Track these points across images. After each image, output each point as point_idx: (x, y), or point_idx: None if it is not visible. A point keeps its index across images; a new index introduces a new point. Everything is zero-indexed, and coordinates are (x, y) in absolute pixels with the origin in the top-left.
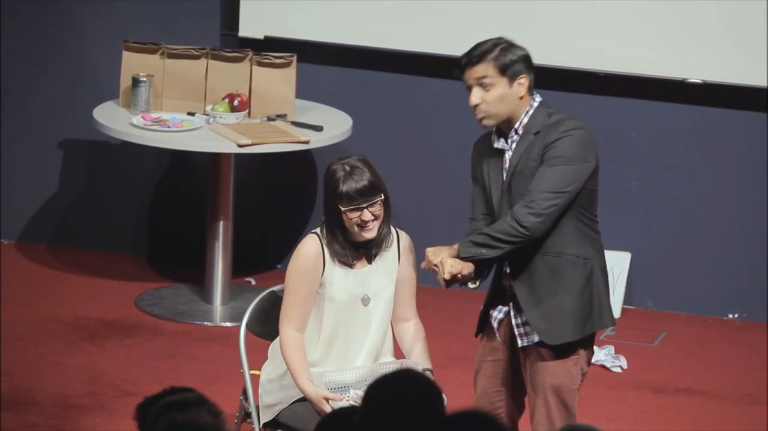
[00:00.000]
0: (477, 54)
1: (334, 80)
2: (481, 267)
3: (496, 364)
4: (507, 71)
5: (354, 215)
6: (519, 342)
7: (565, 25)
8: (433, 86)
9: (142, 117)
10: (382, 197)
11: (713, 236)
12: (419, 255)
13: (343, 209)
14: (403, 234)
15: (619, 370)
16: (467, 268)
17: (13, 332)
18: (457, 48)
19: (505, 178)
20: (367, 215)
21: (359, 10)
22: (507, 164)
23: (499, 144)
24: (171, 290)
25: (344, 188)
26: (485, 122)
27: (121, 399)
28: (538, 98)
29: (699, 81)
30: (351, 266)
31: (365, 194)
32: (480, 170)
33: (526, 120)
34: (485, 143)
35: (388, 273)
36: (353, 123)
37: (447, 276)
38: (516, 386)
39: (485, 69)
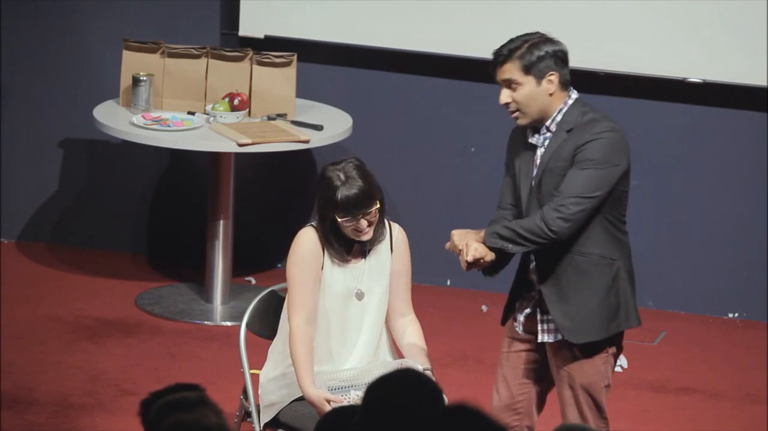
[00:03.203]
0: (504, 53)
1: (334, 80)
2: (501, 259)
3: (521, 355)
4: (532, 70)
5: (350, 224)
6: (539, 337)
7: (565, 25)
8: (433, 86)
9: (143, 116)
10: (378, 206)
11: (713, 236)
12: (443, 238)
13: (339, 219)
14: (396, 226)
15: (619, 369)
16: (490, 255)
17: (13, 331)
18: (457, 48)
19: (535, 174)
20: (362, 223)
21: (359, 10)
22: (538, 161)
23: (532, 139)
24: (171, 290)
25: (340, 199)
26: (519, 121)
27: (121, 398)
28: (574, 95)
29: (699, 80)
30: (346, 261)
31: (360, 206)
32: (513, 160)
33: (559, 117)
34: (522, 133)
35: (382, 267)
36: (353, 123)
37: (470, 259)
38: (541, 381)
39: (511, 69)
